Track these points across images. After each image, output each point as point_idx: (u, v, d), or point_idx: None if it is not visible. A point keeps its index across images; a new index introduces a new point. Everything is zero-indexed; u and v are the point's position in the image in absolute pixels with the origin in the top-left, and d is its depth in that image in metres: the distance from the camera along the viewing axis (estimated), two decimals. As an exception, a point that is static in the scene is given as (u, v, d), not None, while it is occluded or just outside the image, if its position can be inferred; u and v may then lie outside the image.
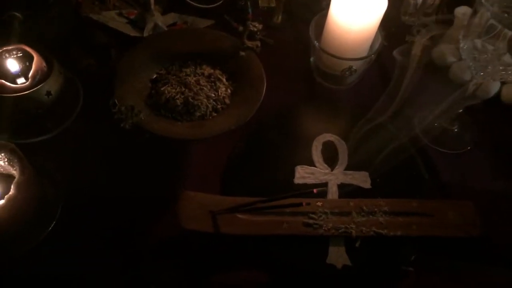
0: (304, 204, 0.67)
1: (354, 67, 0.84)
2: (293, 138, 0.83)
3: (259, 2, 1.04)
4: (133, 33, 0.92)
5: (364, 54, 0.86)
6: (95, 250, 0.70)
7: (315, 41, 0.86)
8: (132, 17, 0.95)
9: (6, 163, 0.66)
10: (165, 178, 0.77)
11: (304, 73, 0.95)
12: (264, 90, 0.77)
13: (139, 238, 0.71)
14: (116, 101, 0.68)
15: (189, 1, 0.97)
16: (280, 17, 1.01)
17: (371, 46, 0.87)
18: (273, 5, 1.04)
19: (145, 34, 0.92)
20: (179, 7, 1.00)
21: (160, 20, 0.93)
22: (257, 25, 0.79)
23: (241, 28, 0.98)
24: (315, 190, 0.66)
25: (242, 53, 0.81)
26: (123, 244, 0.71)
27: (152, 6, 0.95)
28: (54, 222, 0.68)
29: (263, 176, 0.78)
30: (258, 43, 0.81)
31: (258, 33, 0.80)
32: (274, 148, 0.82)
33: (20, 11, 0.75)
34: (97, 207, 0.73)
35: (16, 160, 0.64)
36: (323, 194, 0.76)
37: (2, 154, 0.65)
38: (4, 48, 0.73)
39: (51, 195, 0.70)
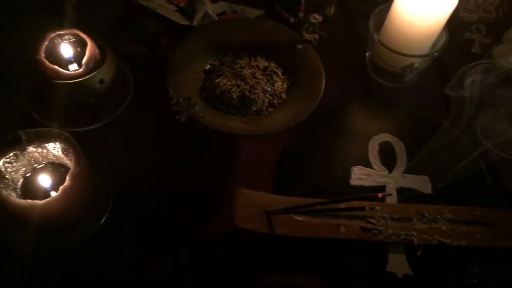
0: (367, 208, 0.64)
1: (416, 65, 0.80)
2: (348, 136, 0.80)
3: (311, -7, 1.00)
4: (182, 21, 0.89)
5: (426, 50, 0.82)
6: (146, 242, 0.68)
7: (376, 35, 0.82)
8: (181, 4, 0.92)
9: (60, 152, 0.64)
10: (216, 172, 0.75)
11: (357, 69, 0.91)
12: (323, 86, 0.73)
13: (189, 233, 0.69)
14: (172, 92, 0.65)
15: (241, -10, 0.93)
16: (332, 9, 0.97)
17: (434, 43, 0.82)
18: (325, -4, 1.01)
19: (195, 22, 0.88)
20: (227, -5, 0.97)
21: (210, 8, 0.90)
22: (317, 16, 0.75)
23: (292, 19, 0.94)
24: (380, 195, 0.62)
25: (299, 46, 0.77)
26: (173, 237, 0.69)
27: (202, -6, 0.92)
28: (107, 215, 0.65)
29: (317, 176, 0.75)
30: (316, 36, 0.77)
31: (317, 25, 0.76)
32: (328, 147, 0.78)
33: (73, -5, 0.73)
34: (146, 200, 0.71)
35: (71, 150, 0.62)
36: (381, 198, 0.72)
37: (57, 143, 0.63)
38: (57, 33, 0.70)
39: (102, 186, 0.68)
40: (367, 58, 0.89)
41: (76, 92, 0.70)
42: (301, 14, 0.95)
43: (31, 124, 0.72)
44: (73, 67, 0.72)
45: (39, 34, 0.70)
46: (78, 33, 0.71)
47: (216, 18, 0.90)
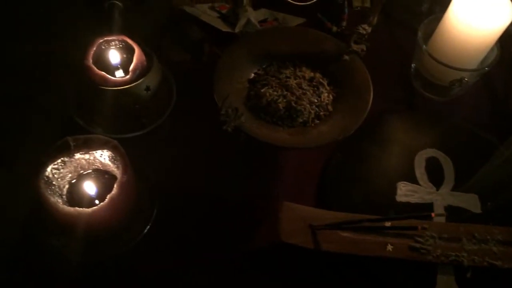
0: (419, 228, 0.62)
1: (466, 79, 0.77)
2: (393, 150, 0.78)
3: (353, 2, 0.98)
4: (224, 28, 0.88)
5: (476, 65, 0.79)
6: (188, 252, 0.67)
7: (424, 46, 0.80)
8: (224, 11, 0.91)
9: (106, 159, 0.64)
10: (259, 183, 0.74)
11: (402, 80, 0.89)
12: (371, 99, 0.72)
13: (232, 244, 0.68)
14: (222, 102, 0.65)
15: (285, -2, 0.92)
16: (376, 18, 0.95)
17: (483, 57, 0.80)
18: (367, 5, 0.98)
19: (237, 30, 0.88)
20: (269, 2, 0.96)
21: (252, 16, 0.89)
22: (366, 27, 0.73)
23: (334, 28, 0.93)
24: (433, 214, 0.60)
25: (346, 57, 0.76)
26: (216, 248, 0.68)
27: (245, 1, 0.91)
28: (150, 224, 0.65)
29: (361, 190, 0.73)
30: (364, 47, 0.75)
31: (366, 36, 0.75)
32: (372, 160, 0.76)
33: (121, 1, 0.73)
34: (189, 209, 0.70)
35: (118, 158, 0.61)
36: (428, 216, 0.70)
37: (104, 151, 0.62)
38: (105, 38, 0.70)
39: (146, 194, 0.67)
40: (412, 70, 0.87)
41: (122, 99, 0.70)
42: (344, 24, 0.93)
43: (74, 129, 0.73)
44: (119, 73, 0.72)
45: (86, 38, 0.70)
46: (126, 39, 0.71)
47: (258, 25, 0.89)
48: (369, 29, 0.74)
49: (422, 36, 0.81)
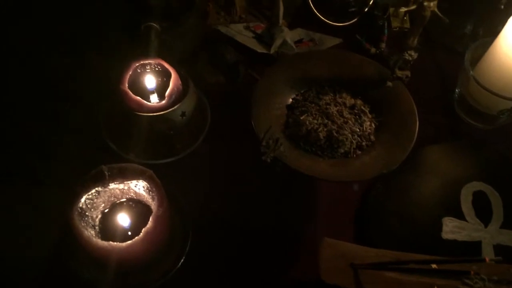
0: (472, 273, 0.58)
1: (516, 109, 0.73)
2: (437, 182, 0.74)
3: (392, 22, 0.95)
4: (260, 49, 0.85)
5: (526, 93, 0.75)
6: (222, 286, 0.64)
7: (471, 72, 0.76)
8: (258, 31, 0.88)
9: (141, 189, 0.61)
10: (295, 214, 0.71)
11: (444, 106, 0.85)
12: (417, 129, 0.68)
13: (268, 278, 0.65)
14: (264, 134, 0.62)
15: (322, 19, 0.89)
16: (415, 40, 0.91)
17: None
18: (406, 25, 0.95)
19: (272, 51, 0.85)
20: (305, 22, 0.93)
21: (288, 36, 0.86)
22: (413, 54, 0.70)
23: (373, 50, 0.89)
24: (487, 259, 0.56)
25: (389, 84, 0.72)
26: (251, 282, 0.65)
27: (281, 21, 0.89)
28: (184, 257, 0.62)
29: (404, 225, 0.69)
30: (408, 73, 0.72)
31: (411, 62, 0.71)
32: (415, 192, 0.73)
33: (157, 22, 0.71)
34: (224, 240, 0.68)
35: (154, 189, 0.59)
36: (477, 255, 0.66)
37: (140, 181, 0.60)
38: (142, 62, 0.68)
39: (180, 225, 0.65)
40: (456, 95, 0.83)
41: (157, 125, 0.67)
42: (383, 45, 0.90)
43: (105, 150, 0.71)
44: (154, 97, 0.70)
45: (122, 61, 0.68)
46: (162, 63, 0.68)
47: (294, 46, 0.86)
48: (415, 55, 0.70)
49: (469, 61, 0.77)
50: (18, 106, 0.79)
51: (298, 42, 0.90)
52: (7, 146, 0.76)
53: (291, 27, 0.92)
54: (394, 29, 0.95)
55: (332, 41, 0.91)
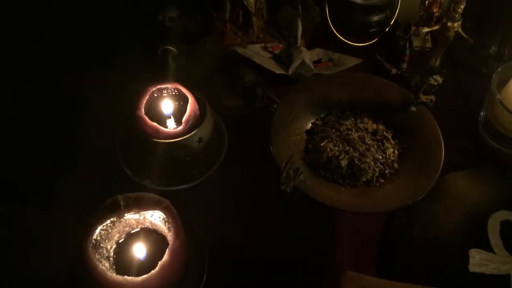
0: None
1: (547, 135, 0.70)
2: (463, 212, 0.71)
3: (413, 41, 0.92)
4: (278, 70, 0.84)
5: (557, 118, 0.72)
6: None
7: (498, 95, 0.73)
8: (276, 51, 0.87)
9: (157, 220, 0.59)
10: (314, 243, 0.69)
11: (468, 129, 0.82)
12: (443, 157, 0.65)
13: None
14: (285, 165, 0.60)
15: (341, 39, 0.87)
16: (438, 61, 0.89)
17: None
18: (428, 45, 0.92)
19: (290, 72, 0.83)
20: (324, 41, 0.91)
21: (307, 57, 0.84)
22: (438, 78, 0.67)
23: (394, 71, 0.87)
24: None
25: (413, 108, 0.70)
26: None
27: (299, 41, 0.87)
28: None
29: (429, 256, 0.66)
30: (433, 98, 0.69)
31: (437, 87, 0.69)
32: (440, 222, 0.69)
33: (175, 46, 0.69)
34: (241, 270, 0.66)
35: (171, 220, 0.57)
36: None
37: (156, 211, 0.58)
38: (158, 87, 0.67)
39: (196, 254, 0.63)
40: (481, 118, 0.80)
41: (173, 151, 0.66)
42: (404, 66, 0.87)
43: (121, 178, 0.70)
44: (171, 122, 0.68)
45: (140, 85, 0.67)
46: (179, 87, 0.67)
47: (312, 67, 0.84)
48: (440, 80, 0.68)
49: (495, 84, 0.74)
50: (33, 126, 0.78)
51: (317, 62, 0.88)
52: (22, 167, 0.75)
53: (309, 46, 0.90)
54: (415, 49, 0.92)
55: (352, 61, 0.89)
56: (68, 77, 0.78)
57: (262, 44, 0.87)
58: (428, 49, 0.92)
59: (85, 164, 0.74)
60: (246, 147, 0.75)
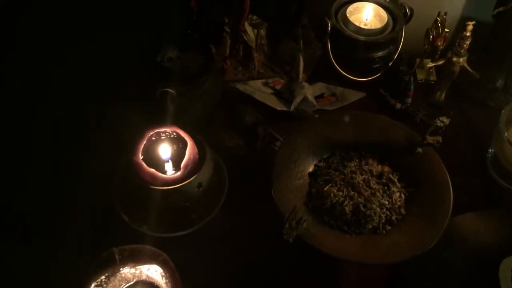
0: None
1: (559, 177, 0.68)
2: (473, 256, 0.68)
3: (417, 74, 0.90)
4: (279, 106, 0.82)
5: None
6: None
7: (506, 134, 0.71)
8: (278, 87, 0.85)
9: (154, 274, 0.57)
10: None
11: (476, 166, 0.79)
12: (452, 203, 0.63)
13: None
14: (287, 216, 0.57)
15: (344, 74, 0.85)
16: (443, 95, 0.86)
17: None
18: (432, 78, 0.90)
19: (292, 108, 0.81)
20: (326, 75, 0.89)
21: (309, 92, 0.82)
22: (445, 120, 0.65)
23: (398, 105, 0.85)
24: None
25: (419, 150, 0.68)
26: None
27: (301, 77, 0.85)
28: None
29: (439, 306, 0.64)
30: (440, 139, 0.67)
31: (443, 128, 0.67)
32: (450, 268, 0.66)
33: (174, 87, 0.68)
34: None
35: (168, 275, 0.54)
36: None
37: (153, 265, 0.56)
38: (157, 130, 0.65)
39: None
40: (489, 155, 0.78)
41: (172, 197, 0.63)
42: (409, 100, 0.85)
43: (118, 223, 0.67)
44: (169, 166, 0.66)
45: (138, 128, 0.65)
46: (178, 131, 0.65)
47: (315, 103, 0.82)
48: (447, 121, 0.66)
49: (504, 122, 0.72)
50: (31, 163, 0.76)
51: (319, 97, 0.86)
52: (21, 204, 0.73)
53: (311, 80, 0.88)
54: (420, 81, 0.90)
55: (355, 95, 0.87)
56: (68, 115, 0.77)
57: (263, 80, 0.85)
58: (433, 82, 0.90)
59: (81, 208, 0.72)
60: (247, 188, 0.72)
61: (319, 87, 0.87)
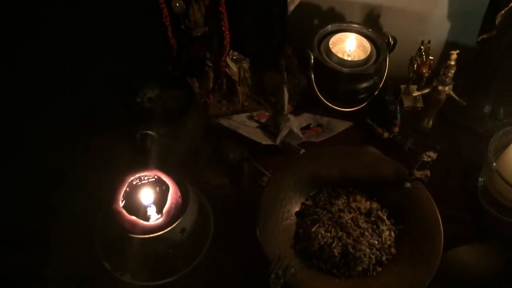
0: None
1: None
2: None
3: (404, 101, 0.89)
4: (265, 140, 0.80)
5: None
6: None
7: (494, 164, 0.70)
8: (263, 120, 0.84)
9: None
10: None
11: (466, 196, 0.78)
12: (443, 240, 0.61)
13: None
14: (273, 266, 0.55)
15: (328, 104, 0.84)
16: (430, 122, 0.85)
17: None
18: (419, 105, 0.89)
19: (278, 141, 0.80)
20: (312, 105, 0.88)
21: (295, 125, 0.81)
22: (432, 154, 0.64)
23: (386, 134, 0.84)
24: None
25: (408, 185, 0.66)
26: None
27: (286, 108, 0.84)
28: None
29: None
30: (428, 172, 0.66)
31: (431, 162, 0.65)
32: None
33: (154, 129, 0.66)
34: None
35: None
36: None
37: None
38: (137, 175, 0.63)
39: None
40: (479, 184, 0.77)
41: (154, 245, 0.61)
42: (396, 129, 0.84)
43: (100, 272, 0.65)
44: (152, 210, 0.64)
45: (118, 173, 0.63)
46: (159, 175, 0.63)
47: (301, 135, 0.81)
48: (434, 156, 0.64)
49: (493, 152, 0.71)
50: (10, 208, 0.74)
51: (305, 128, 0.85)
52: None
53: (297, 111, 0.87)
54: (407, 108, 0.89)
55: (342, 125, 0.85)
56: (49, 155, 0.75)
57: (248, 114, 0.83)
58: (420, 109, 0.89)
59: (62, 255, 0.69)
60: (233, 229, 0.70)
61: (305, 118, 0.86)
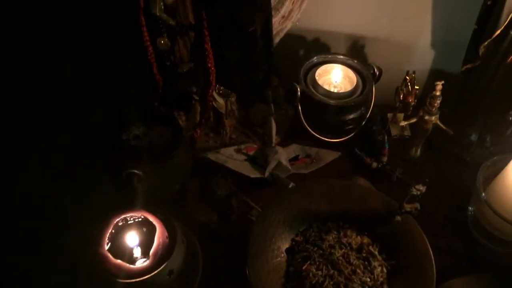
0: None
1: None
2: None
3: (391, 130, 0.90)
4: (253, 174, 0.79)
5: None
6: None
7: (483, 194, 0.70)
8: (251, 153, 0.83)
9: None
10: None
11: (457, 226, 0.78)
12: (435, 275, 0.60)
13: None
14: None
15: (316, 135, 0.84)
16: (418, 151, 0.86)
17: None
18: (407, 133, 0.90)
19: (267, 174, 0.79)
20: (300, 136, 0.88)
21: (283, 157, 0.80)
22: (421, 188, 0.64)
23: (374, 164, 0.83)
24: None
25: (398, 218, 0.65)
26: None
27: (274, 140, 0.83)
28: None
29: None
30: (418, 205, 0.65)
31: (420, 196, 0.65)
32: None
33: (141, 167, 0.65)
34: None
35: None
36: None
37: None
38: (123, 216, 0.62)
39: None
40: (470, 213, 0.76)
41: (141, 288, 0.60)
42: (384, 159, 0.84)
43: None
44: (138, 251, 0.62)
45: (104, 214, 0.62)
46: (146, 215, 0.62)
47: (289, 167, 0.80)
48: (423, 189, 0.64)
49: (481, 182, 0.71)
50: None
51: (294, 159, 0.84)
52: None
53: (285, 142, 0.87)
54: (394, 137, 0.90)
55: (331, 155, 0.85)
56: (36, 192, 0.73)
57: (236, 147, 0.83)
58: (407, 137, 0.89)
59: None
60: (223, 268, 0.69)
61: (294, 149, 0.86)
